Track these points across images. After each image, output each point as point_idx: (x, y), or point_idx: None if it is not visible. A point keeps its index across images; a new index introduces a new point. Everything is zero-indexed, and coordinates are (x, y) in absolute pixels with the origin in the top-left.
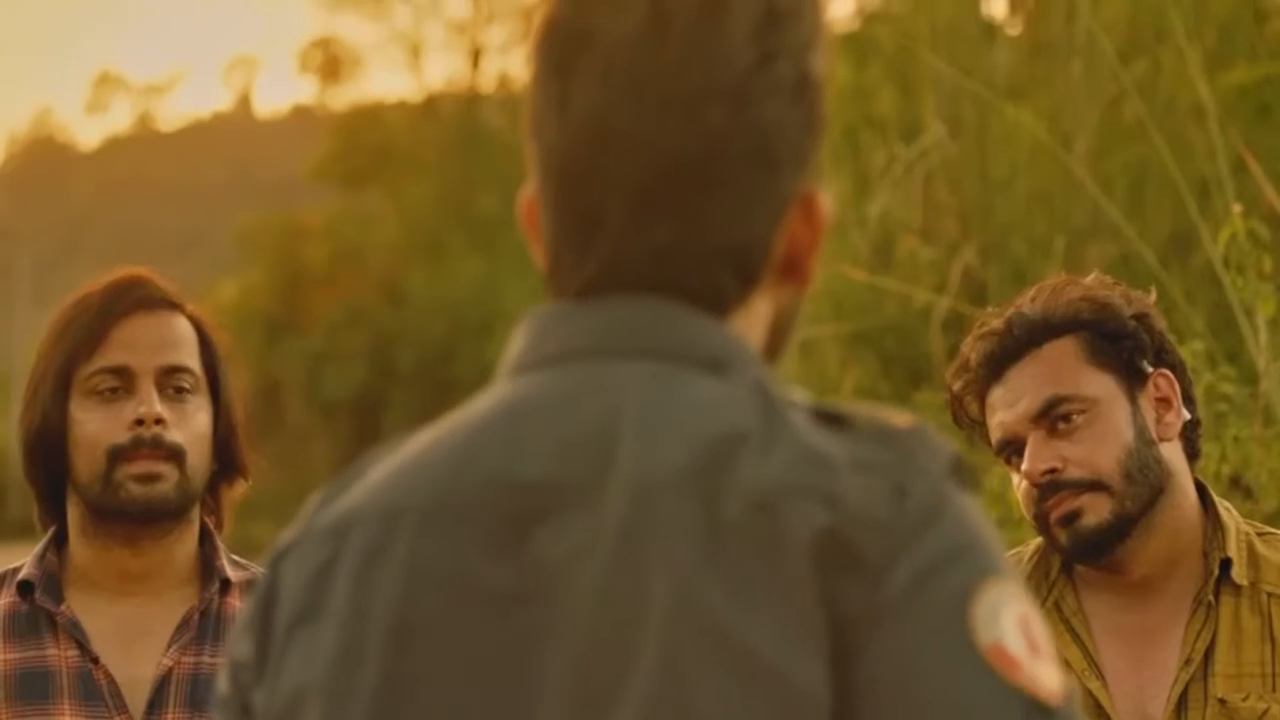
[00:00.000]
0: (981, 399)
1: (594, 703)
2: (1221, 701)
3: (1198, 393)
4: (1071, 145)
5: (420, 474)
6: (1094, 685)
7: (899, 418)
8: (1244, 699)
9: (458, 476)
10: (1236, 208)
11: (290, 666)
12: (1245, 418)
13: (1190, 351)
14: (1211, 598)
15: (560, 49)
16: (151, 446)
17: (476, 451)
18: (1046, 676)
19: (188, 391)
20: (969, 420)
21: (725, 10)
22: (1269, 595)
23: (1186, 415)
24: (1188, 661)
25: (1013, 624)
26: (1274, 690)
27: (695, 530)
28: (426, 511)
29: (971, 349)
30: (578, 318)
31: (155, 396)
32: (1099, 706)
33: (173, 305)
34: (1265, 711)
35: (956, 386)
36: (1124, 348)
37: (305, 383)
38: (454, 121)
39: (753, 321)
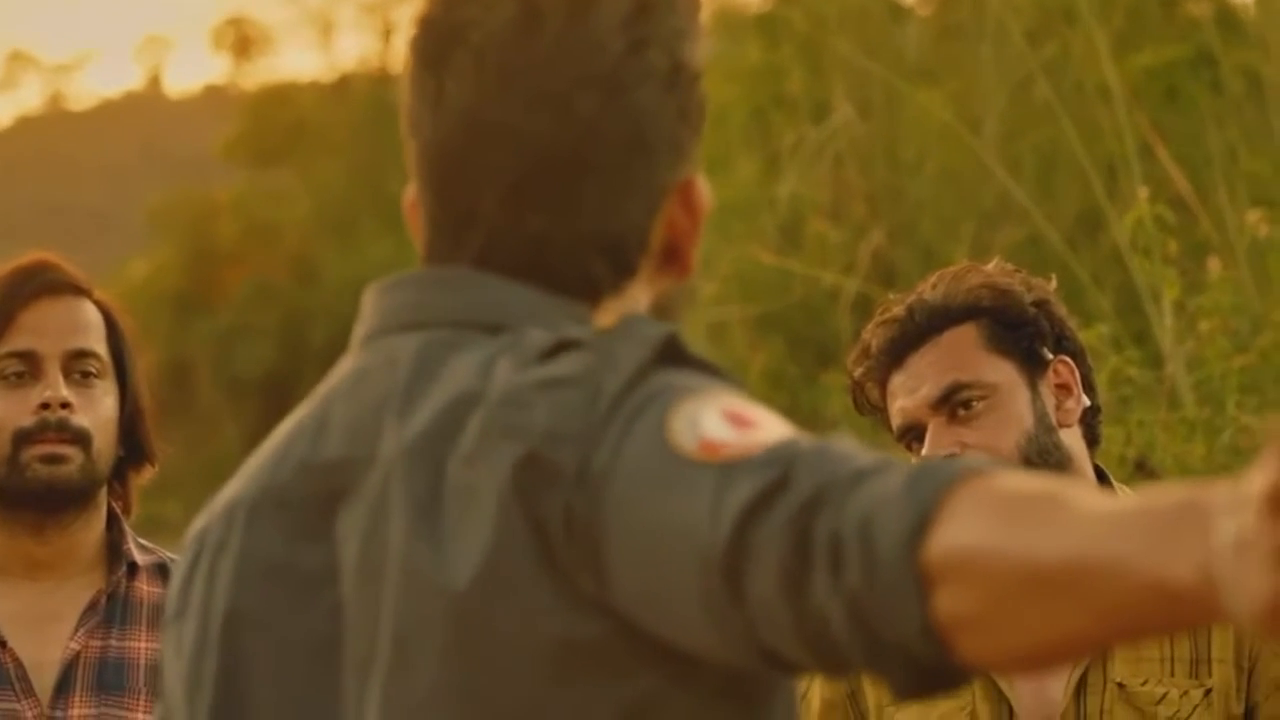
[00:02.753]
0: (883, 385)
1: (366, 669)
2: (1120, 686)
3: (1104, 376)
4: (980, 128)
5: (256, 466)
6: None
7: (613, 320)
8: (1142, 683)
9: (278, 465)
10: (1142, 192)
11: (167, 664)
12: (1150, 401)
13: (1096, 334)
14: None
15: (434, 45)
16: (57, 430)
17: (295, 438)
18: (762, 437)
19: (94, 376)
20: (870, 406)
21: (595, 1)
22: None
23: (1086, 402)
24: None
25: (714, 418)
26: (1172, 675)
27: (422, 496)
28: (253, 502)
29: (872, 335)
30: (388, 294)
31: (61, 381)
32: (998, 690)
33: (79, 290)
34: (1163, 696)
35: (858, 373)
36: (1024, 334)
37: (216, 361)
38: (365, 100)
39: (628, 310)
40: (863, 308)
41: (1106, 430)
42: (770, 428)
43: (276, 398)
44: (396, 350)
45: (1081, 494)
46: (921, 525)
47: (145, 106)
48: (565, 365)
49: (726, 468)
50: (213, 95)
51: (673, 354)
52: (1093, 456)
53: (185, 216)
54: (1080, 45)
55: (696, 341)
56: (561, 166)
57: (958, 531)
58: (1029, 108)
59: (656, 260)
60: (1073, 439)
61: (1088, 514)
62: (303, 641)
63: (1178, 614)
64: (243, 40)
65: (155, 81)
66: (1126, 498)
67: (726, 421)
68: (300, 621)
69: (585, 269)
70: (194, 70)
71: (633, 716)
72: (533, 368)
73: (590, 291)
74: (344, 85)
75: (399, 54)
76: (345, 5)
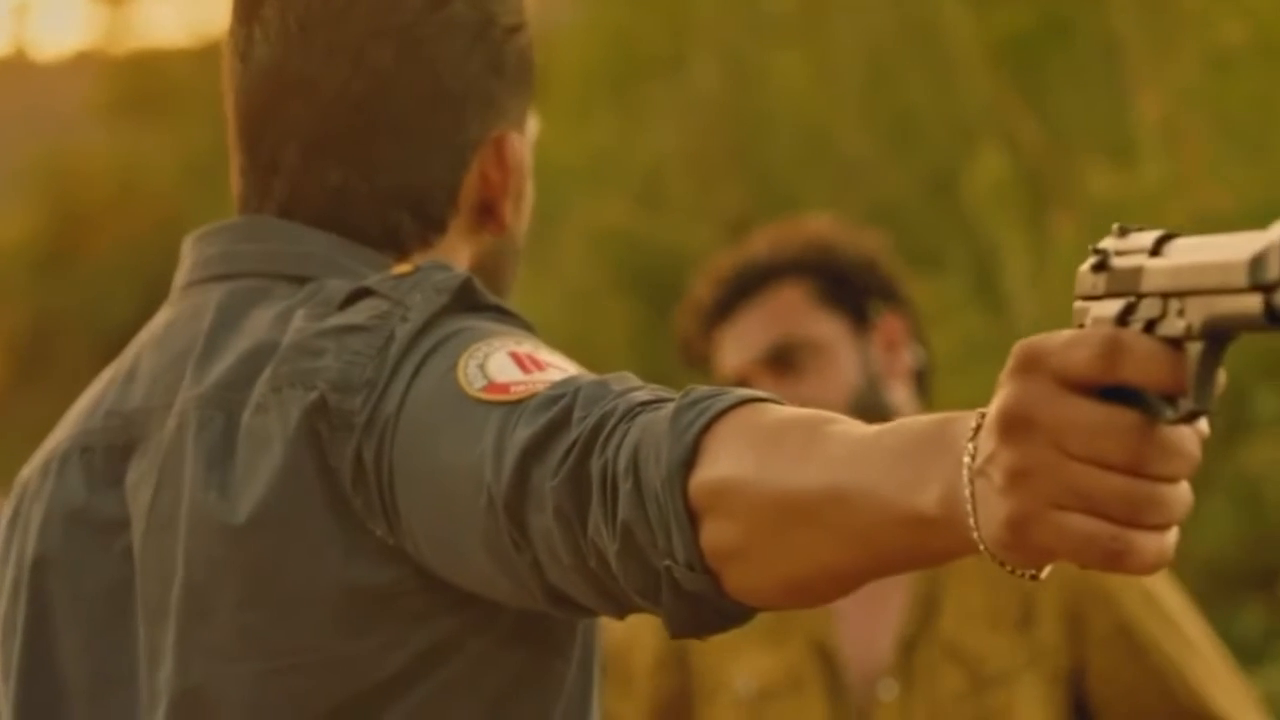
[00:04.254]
0: (711, 341)
1: (160, 617)
2: (948, 642)
3: (952, 330)
4: (841, 86)
5: (74, 415)
6: (822, 626)
7: (409, 268)
8: (970, 640)
9: (90, 414)
10: (993, 152)
11: None
12: (998, 355)
13: (945, 289)
14: None
15: None
16: None
17: (108, 387)
18: (547, 377)
19: None
20: (700, 362)
21: None
22: None
23: (916, 357)
24: (915, 602)
25: (501, 361)
26: (1001, 630)
27: (215, 444)
28: (65, 451)
29: (702, 291)
30: (202, 244)
31: None
32: (826, 647)
33: None
34: (990, 651)
35: (687, 328)
36: (852, 290)
37: (83, 318)
38: None
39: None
40: None
41: (951, 383)
42: (557, 368)
43: None
44: (204, 300)
45: (843, 424)
46: (686, 458)
47: (13, 73)
48: (359, 313)
49: (511, 408)
50: (82, 60)
51: (468, 300)
52: (926, 410)
53: (51, 177)
54: (939, 9)
55: (554, 298)
56: (358, 119)
57: (720, 463)
58: (891, 66)
59: (471, 216)
60: (902, 394)
61: (844, 443)
62: (100, 587)
63: (929, 543)
64: (112, 4)
65: (23, 48)
66: (885, 426)
67: (514, 363)
68: (97, 567)
69: (388, 222)
70: (63, 36)
71: (427, 661)
72: (328, 316)
73: (396, 244)
74: (211, 46)
75: None
76: None
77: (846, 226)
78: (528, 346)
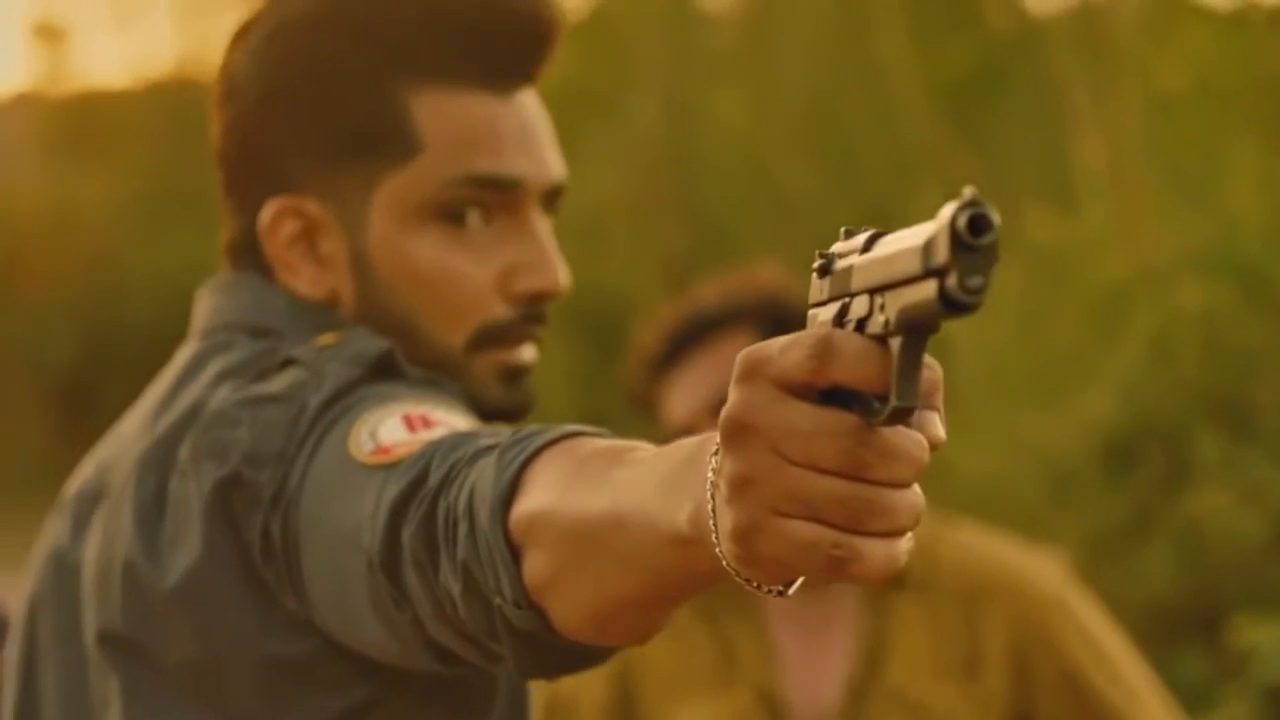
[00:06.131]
0: (659, 389)
1: (105, 665)
2: (895, 691)
3: None
4: (781, 126)
5: (87, 460)
6: (767, 672)
7: (333, 338)
8: (916, 689)
9: (93, 464)
10: (932, 194)
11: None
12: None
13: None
14: (888, 589)
15: None
16: None
17: (107, 440)
18: (429, 435)
19: None
20: (648, 409)
21: (247, 27)
22: (946, 588)
23: None
24: (861, 648)
25: (392, 425)
26: (946, 676)
27: (147, 503)
28: (66, 499)
29: (649, 339)
30: (201, 298)
31: None
32: (771, 695)
33: None
34: (936, 698)
35: (634, 376)
36: None
37: (20, 355)
38: (174, 100)
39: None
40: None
41: None
42: (445, 425)
43: (81, 395)
44: (184, 354)
45: (641, 450)
46: (506, 494)
47: None
48: (278, 383)
49: (389, 469)
50: (21, 101)
51: (386, 370)
52: None
53: None
54: (886, 43)
55: None
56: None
57: (532, 497)
58: (833, 107)
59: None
60: None
61: (630, 468)
62: (71, 628)
63: (694, 564)
64: (52, 41)
65: None
66: (664, 448)
67: (404, 425)
68: (68, 609)
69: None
70: (3, 76)
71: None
72: (253, 384)
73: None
74: (153, 89)
75: (205, 59)
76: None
77: (792, 274)
78: (425, 407)
